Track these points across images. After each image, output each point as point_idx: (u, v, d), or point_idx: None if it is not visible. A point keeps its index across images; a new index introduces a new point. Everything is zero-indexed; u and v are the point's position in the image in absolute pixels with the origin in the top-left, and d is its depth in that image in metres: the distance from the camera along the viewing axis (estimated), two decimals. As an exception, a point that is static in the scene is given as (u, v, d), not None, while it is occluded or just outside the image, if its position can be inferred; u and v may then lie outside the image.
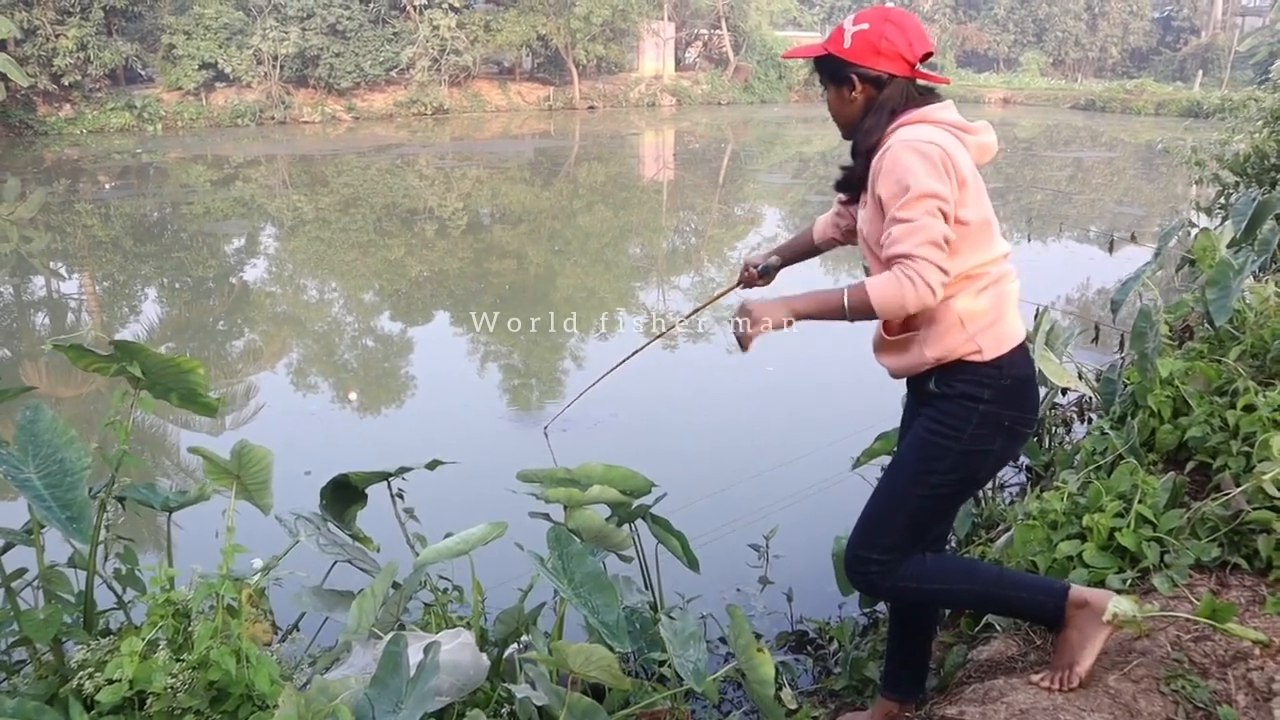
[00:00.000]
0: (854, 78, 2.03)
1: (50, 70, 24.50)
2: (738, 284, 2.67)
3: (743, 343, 2.05)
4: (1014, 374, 2.02)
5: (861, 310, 1.92)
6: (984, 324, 1.99)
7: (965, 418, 2.00)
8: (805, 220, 2.58)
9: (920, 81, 2.05)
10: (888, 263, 1.90)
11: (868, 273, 2.12)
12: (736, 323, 2.05)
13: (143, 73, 29.42)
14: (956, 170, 1.92)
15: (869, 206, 2.04)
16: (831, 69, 2.07)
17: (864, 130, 2.04)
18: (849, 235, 2.42)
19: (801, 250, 2.58)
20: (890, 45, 1.98)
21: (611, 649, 2.02)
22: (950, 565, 2.20)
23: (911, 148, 1.91)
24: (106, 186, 17.54)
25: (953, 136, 1.97)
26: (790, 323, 2.02)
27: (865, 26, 1.99)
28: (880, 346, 2.14)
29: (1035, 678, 2.14)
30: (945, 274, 1.88)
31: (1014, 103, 40.27)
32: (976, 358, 1.98)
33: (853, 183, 2.14)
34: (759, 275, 2.59)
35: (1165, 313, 4.16)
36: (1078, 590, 2.11)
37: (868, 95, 2.04)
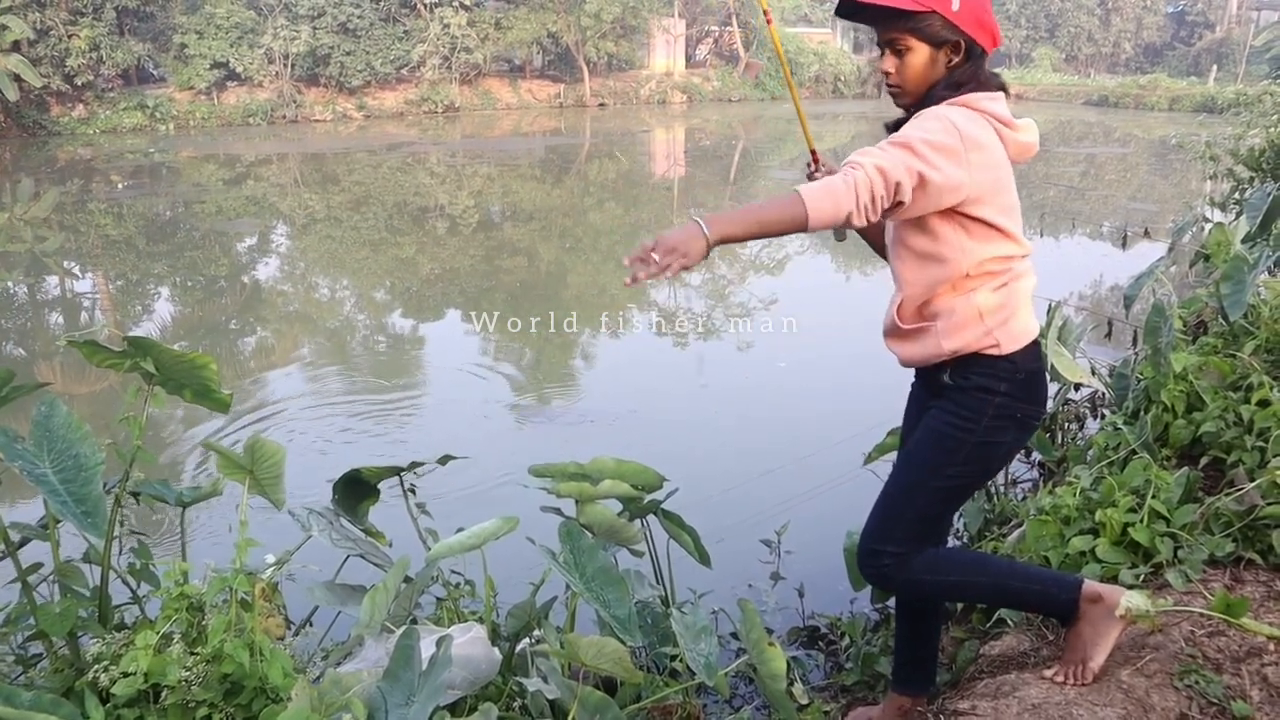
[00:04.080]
0: (960, 42, 1.92)
1: (63, 70, 24.66)
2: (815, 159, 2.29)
3: (638, 279, 1.72)
4: (1027, 367, 2.02)
5: (795, 218, 1.73)
6: (1001, 319, 1.98)
7: (981, 410, 1.99)
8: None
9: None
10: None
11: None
12: (645, 259, 1.71)
13: (155, 72, 29.60)
14: (975, 156, 1.87)
15: None
16: (933, 28, 1.91)
17: (949, 85, 1.95)
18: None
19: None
20: (990, 20, 1.94)
21: (623, 643, 2.02)
22: (963, 558, 2.20)
23: (936, 117, 1.88)
24: (119, 186, 17.64)
25: (989, 127, 1.94)
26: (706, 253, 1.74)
27: None
28: (893, 333, 2.11)
29: (1048, 673, 2.13)
30: (884, 196, 1.78)
31: (1026, 98, 40.04)
32: (993, 351, 1.98)
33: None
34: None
35: (1179, 308, 4.14)
36: (1091, 584, 2.10)
37: (952, 64, 1.95)
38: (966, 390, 2.00)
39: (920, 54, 1.94)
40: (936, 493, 2.05)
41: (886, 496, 2.09)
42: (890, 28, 1.94)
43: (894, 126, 2.04)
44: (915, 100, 1.99)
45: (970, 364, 2.00)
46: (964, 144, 1.86)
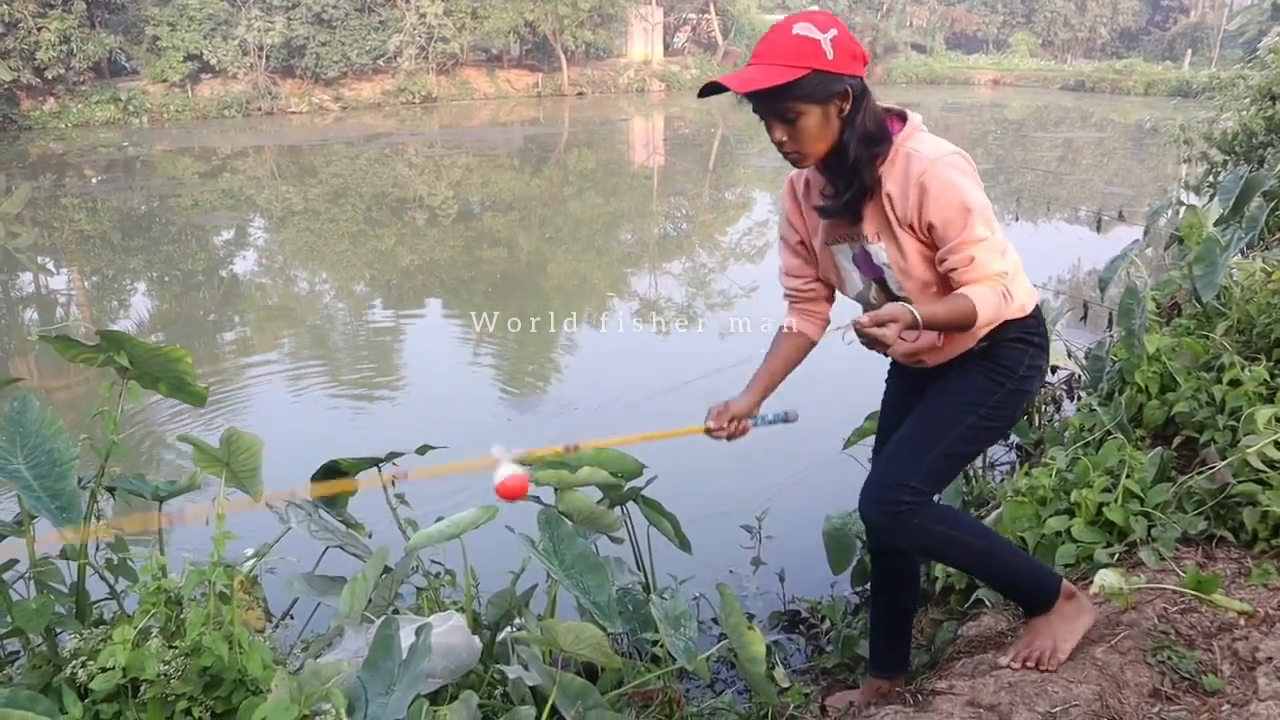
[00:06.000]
0: (848, 89, 1.85)
1: (33, 64, 24.31)
2: (706, 431, 2.13)
3: (880, 345, 1.81)
4: (1043, 321, 2.09)
5: (969, 322, 1.84)
6: (1016, 279, 1.99)
7: (1018, 359, 2.03)
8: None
9: None
10: (977, 281, 1.86)
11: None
12: (869, 325, 1.77)
13: (127, 65, 29.22)
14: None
15: (898, 234, 1.93)
16: (815, 88, 1.83)
17: (861, 141, 1.88)
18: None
19: (781, 377, 2.24)
20: (859, 47, 1.87)
21: (603, 629, 2.03)
22: (971, 520, 2.23)
23: (948, 164, 1.85)
24: (93, 180, 17.44)
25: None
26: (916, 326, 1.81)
27: (835, 33, 1.83)
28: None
29: (1004, 659, 2.14)
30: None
31: (1004, 84, 40.25)
32: (1021, 314, 2.00)
33: (851, 208, 1.97)
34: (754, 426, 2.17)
35: (1153, 290, 4.17)
36: (1067, 583, 2.16)
37: (845, 113, 1.88)
38: (1003, 343, 2.02)
39: (812, 116, 1.86)
40: (965, 433, 2.04)
41: (908, 438, 2.06)
42: (772, 102, 1.86)
43: (839, 210, 1.98)
44: (819, 159, 1.93)
45: (1002, 329, 2.00)
46: (972, 167, 1.91)
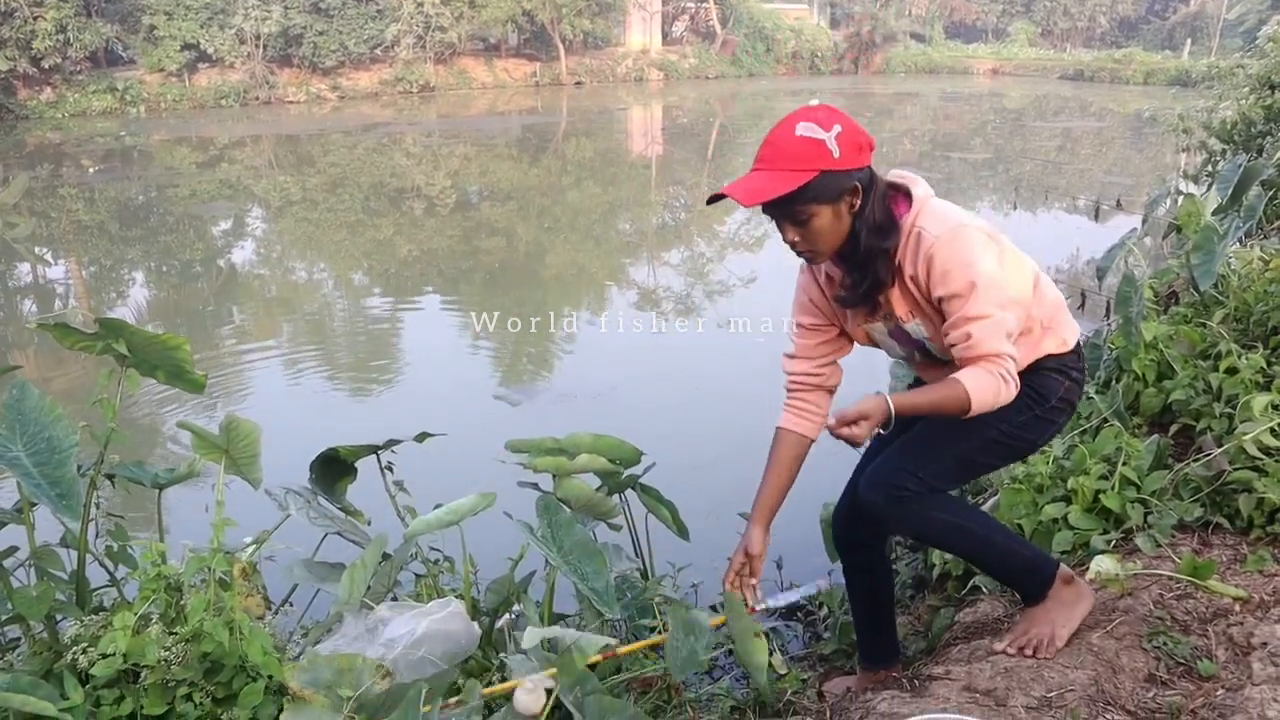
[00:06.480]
0: (857, 184, 1.85)
1: (29, 53, 24.19)
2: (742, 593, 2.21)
3: (852, 443, 1.85)
4: (1084, 358, 2.10)
5: (960, 409, 1.85)
6: (1058, 316, 2.04)
7: (1053, 389, 2.03)
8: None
9: None
10: (973, 360, 1.86)
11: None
12: (837, 426, 1.84)
13: (124, 54, 29.08)
14: (990, 230, 1.91)
15: (927, 309, 1.94)
16: (825, 189, 1.82)
17: (871, 232, 1.88)
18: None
19: (786, 492, 2.27)
20: (862, 137, 1.85)
21: (601, 614, 2.04)
22: (968, 506, 2.25)
23: (955, 237, 1.84)
24: (90, 170, 17.39)
25: (951, 205, 1.95)
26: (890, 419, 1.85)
27: (839, 129, 1.81)
28: None
29: (999, 645, 2.15)
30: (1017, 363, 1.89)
31: (1003, 73, 40.17)
32: (1063, 349, 2.03)
33: (869, 298, 1.99)
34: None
35: (1151, 279, 4.18)
36: (1065, 568, 2.16)
37: (855, 209, 1.87)
38: (1040, 372, 2.03)
39: (823, 215, 1.85)
40: (980, 444, 2.04)
41: (931, 433, 2.06)
42: (783, 207, 1.86)
43: (851, 300, 1.99)
44: (832, 254, 1.94)
45: (1043, 360, 2.03)
46: (988, 235, 1.89)
